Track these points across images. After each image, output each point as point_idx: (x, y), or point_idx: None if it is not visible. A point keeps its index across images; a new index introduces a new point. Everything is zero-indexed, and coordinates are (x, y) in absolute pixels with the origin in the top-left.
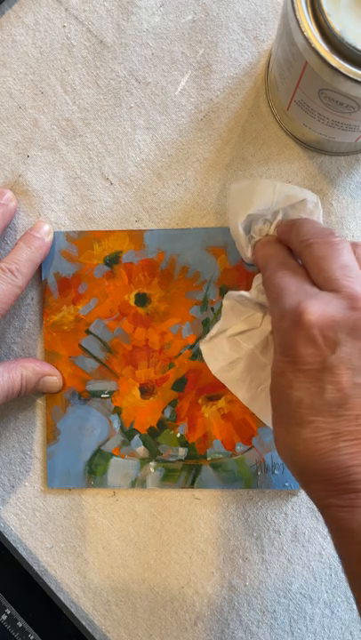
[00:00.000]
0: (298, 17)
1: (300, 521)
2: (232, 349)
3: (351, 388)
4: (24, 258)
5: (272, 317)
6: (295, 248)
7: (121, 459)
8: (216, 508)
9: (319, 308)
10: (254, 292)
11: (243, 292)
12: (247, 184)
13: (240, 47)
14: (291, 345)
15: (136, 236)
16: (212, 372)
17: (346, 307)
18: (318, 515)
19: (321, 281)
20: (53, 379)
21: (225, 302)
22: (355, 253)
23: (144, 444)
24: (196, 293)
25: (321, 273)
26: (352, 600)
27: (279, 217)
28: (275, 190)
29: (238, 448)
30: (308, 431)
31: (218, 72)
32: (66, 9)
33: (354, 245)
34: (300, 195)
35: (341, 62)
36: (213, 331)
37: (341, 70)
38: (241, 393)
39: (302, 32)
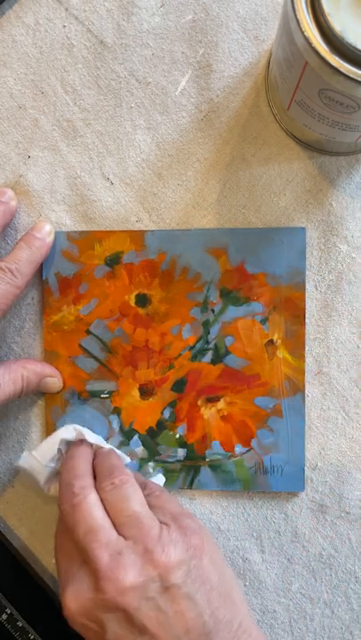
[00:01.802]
0: (298, 17)
1: (301, 521)
2: None
3: None
4: (24, 258)
5: None
6: None
7: None
8: (216, 508)
9: (74, 595)
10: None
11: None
12: (18, 467)
13: (240, 47)
14: (79, 630)
15: (137, 237)
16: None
17: (92, 588)
18: (318, 515)
19: (78, 547)
20: (54, 380)
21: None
22: (102, 497)
23: (143, 445)
24: (196, 295)
25: (75, 542)
26: (352, 600)
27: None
28: (39, 461)
29: (237, 450)
30: None
31: (218, 72)
32: (66, 9)
33: (100, 488)
34: (54, 439)
35: (341, 62)
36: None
37: (341, 70)
38: None
39: (302, 32)
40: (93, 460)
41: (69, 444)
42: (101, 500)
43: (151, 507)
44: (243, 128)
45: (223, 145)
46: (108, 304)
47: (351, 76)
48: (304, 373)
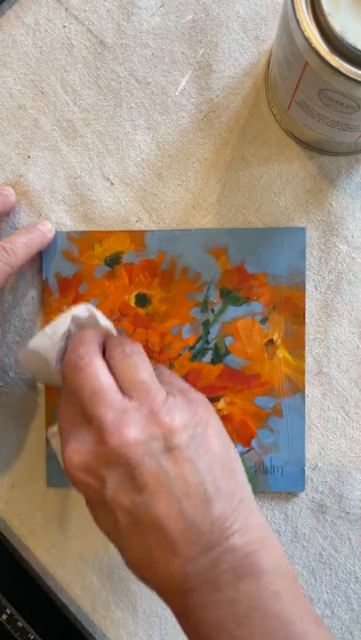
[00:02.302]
0: (298, 17)
1: (301, 521)
2: None
3: (136, 508)
4: (20, 241)
5: None
6: None
7: None
8: None
9: (76, 450)
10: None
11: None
12: (26, 354)
13: (240, 47)
14: (77, 488)
15: (137, 237)
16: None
17: (95, 441)
18: (318, 515)
19: (83, 413)
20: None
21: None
22: (110, 365)
23: None
24: (196, 295)
25: (79, 405)
26: (352, 600)
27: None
28: (49, 337)
29: (237, 450)
30: (127, 554)
31: (218, 72)
32: (66, 9)
33: (109, 356)
34: (65, 318)
35: (341, 62)
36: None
37: (341, 70)
38: None
39: (302, 32)
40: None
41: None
42: (109, 368)
43: (160, 382)
44: (243, 128)
45: (223, 145)
46: (107, 304)
47: (351, 76)
48: (304, 373)
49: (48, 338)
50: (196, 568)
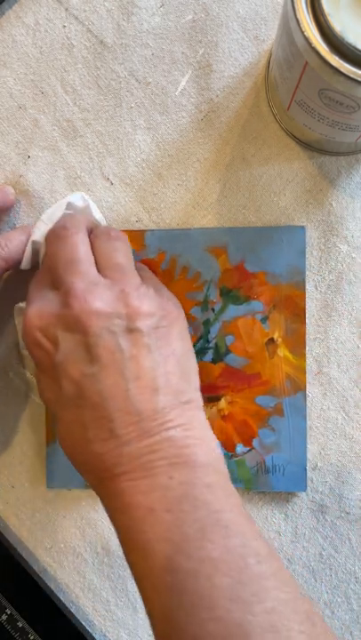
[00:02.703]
0: (298, 17)
1: (301, 521)
2: None
3: (82, 379)
4: (16, 237)
5: None
6: None
7: None
8: None
9: (38, 310)
10: None
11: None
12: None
13: (240, 47)
14: (30, 351)
15: (137, 237)
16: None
17: (60, 304)
18: (318, 515)
19: (53, 280)
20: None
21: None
22: (93, 245)
23: None
24: (196, 294)
25: (51, 270)
26: (352, 600)
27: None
28: (45, 223)
29: (238, 449)
30: (61, 427)
31: (218, 72)
32: (66, 9)
33: (94, 237)
34: (60, 205)
35: (341, 62)
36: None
37: (341, 70)
38: None
39: (302, 32)
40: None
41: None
42: (92, 247)
43: (140, 275)
44: (243, 128)
45: (223, 145)
46: None
47: (351, 76)
48: (305, 372)
49: (44, 224)
50: (130, 451)
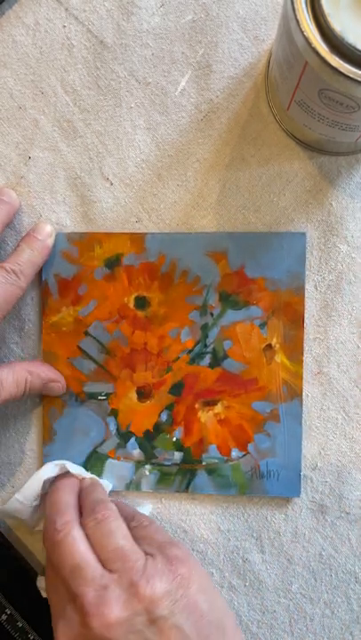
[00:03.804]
0: (298, 17)
1: (301, 522)
2: None
3: None
4: (26, 259)
5: None
6: None
7: (116, 461)
8: (216, 508)
9: (64, 634)
10: None
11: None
12: (3, 512)
13: (240, 47)
14: None
15: (137, 239)
16: None
17: (79, 623)
18: (318, 515)
19: (65, 585)
20: (58, 385)
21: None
22: (86, 532)
23: (140, 447)
24: (195, 298)
25: (60, 580)
26: (352, 600)
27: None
28: (23, 501)
29: (234, 454)
30: None
31: (218, 72)
32: (66, 9)
33: (85, 524)
34: (37, 480)
35: (341, 62)
36: None
37: (341, 70)
38: None
39: (302, 32)
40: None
41: (54, 479)
42: (86, 536)
43: (138, 538)
44: (242, 128)
45: (223, 145)
46: (107, 306)
47: (351, 76)
48: (302, 378)
49: (19, 503)
50: None
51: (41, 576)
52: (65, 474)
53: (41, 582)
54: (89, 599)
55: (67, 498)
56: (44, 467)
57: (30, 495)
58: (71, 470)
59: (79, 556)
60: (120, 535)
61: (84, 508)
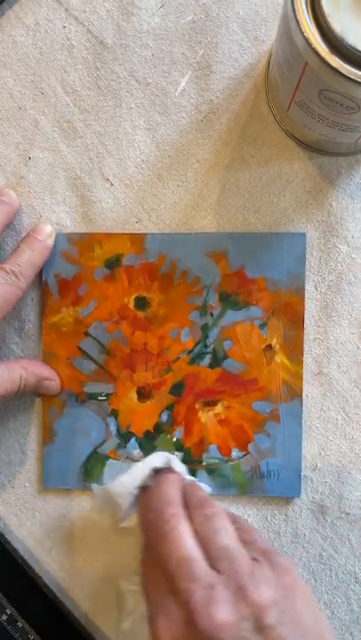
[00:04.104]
0: (298, 17)
1: (301, 522)
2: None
3: None
4: (26, 260)
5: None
6: None
7: (117, 461)
8: None
9: (166, 628)
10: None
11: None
12: (102, 491)
13: (240, 48)
14: None
15: (137, 240)
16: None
17: (184, 621)
18: (318, 516)
19: (168, 578)
20: (52, 383)
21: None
22: (193, 525)
23: (140, 448)
24: (195, 298)
25: (164, 571)
26: (352, 601)
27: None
28: (126, 486)
29: (234, 454)
30: None
31: (218, 73)
32: (66, 9)
33: (194, 519)
34: (145, 468)
35: (341, 63)
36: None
37: (341, 71)
38: None
39: (302, 32)
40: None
41: (157, 472)
42: (192, 524)
43: (241, 541)
44: (242, 129)
45: (223, 146)
46: (107, 306)
47: (351, 76)
48: (302, 379)
49: (123, 486)
50: None
51: (125, 579)
52: (167, 470)
53: (128, 588)
54: (197, 597)
55: (174, 491)
56: (153, 455)
57: (136, 480)
58: (176, 467)
59: (187, 549)
60: (227, 534)
61: (191, 503)
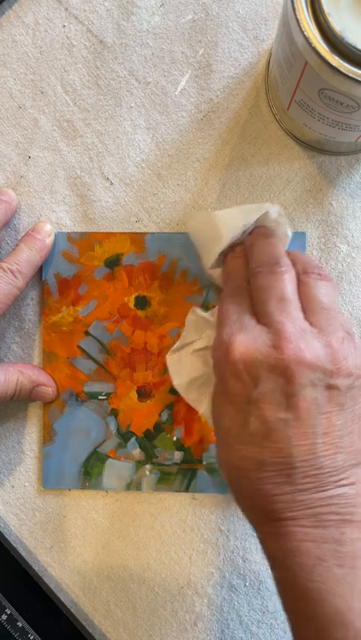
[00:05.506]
0: (298, 16)
1: None
2: (193, 366)
3: (274, 422)
4: (25, 259)
5: (213, 343)
6: (248, 273)
7: (117, 461)
8: (216, 508)
9: (246, 343)
10: (214, 314)
11: (204, 313)
12: (205, 218)
13: (240, 47)
14: (221, 376)
15: (137, 239)
16: (174, 385)
17: (270, 344)
18: None
19: (259, 312)
20: (47, 390)
21: (189, 317)
22: (299, 285)
23: (140, 447)
24: (195, 297)
25: (259, 304)
26: None
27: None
28: (238, 216)
29: None
30: (236, 458)
31: (218, 72)
32: (66, 9)
33: (304, 275)
34: (260, 209)
35: (341, 62)
36: (177, 344)
37: (341, 70)
38: (202, 409)
39: (302, 32)
40: None
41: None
42: (298, 282)
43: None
44: (242, 128)
45: (223, 145)
46: (107, 306)
47: (351, 75)
48: None
49: (233, 218)
50: (303, 499)
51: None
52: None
53: (193, 346)
54: (288, 329)
55: (282, 250)
56: (270, 204)
57: (248, 217)
58: (285, 230)
59: (290, 293)
60: (332, 299)
61: (305, 263)
